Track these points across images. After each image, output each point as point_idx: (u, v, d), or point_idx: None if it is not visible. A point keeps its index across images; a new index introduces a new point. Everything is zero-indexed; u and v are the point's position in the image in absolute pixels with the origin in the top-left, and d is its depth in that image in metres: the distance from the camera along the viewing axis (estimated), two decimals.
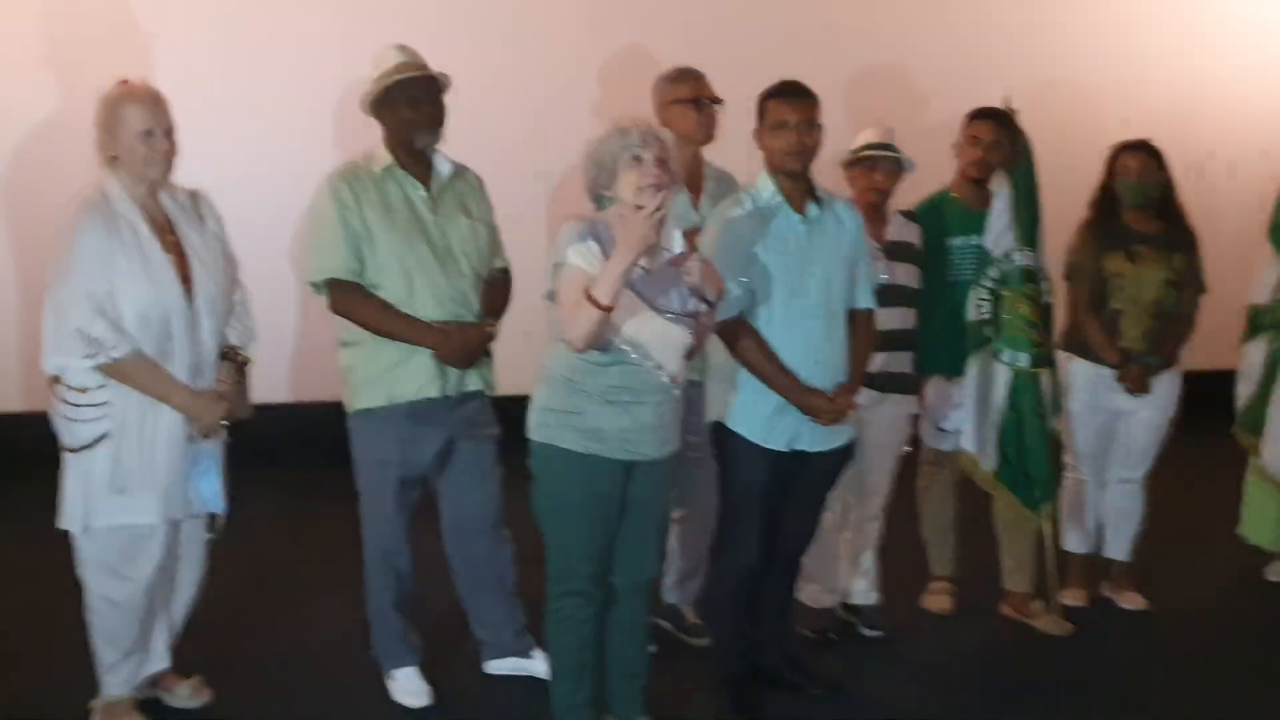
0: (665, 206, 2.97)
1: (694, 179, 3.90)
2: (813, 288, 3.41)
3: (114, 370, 3.12)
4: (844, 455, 3.58)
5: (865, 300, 3.56)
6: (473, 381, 3.56)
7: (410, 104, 3.43)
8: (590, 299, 2.90)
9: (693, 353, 3.18)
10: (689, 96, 3.86)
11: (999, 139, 4.08)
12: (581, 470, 3.10)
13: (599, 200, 3.10)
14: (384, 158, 3.48)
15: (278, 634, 4.13)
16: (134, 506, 3.23)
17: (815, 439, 3.46)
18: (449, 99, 3.55)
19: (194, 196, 3.36)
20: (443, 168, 3.56)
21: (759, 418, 3.42)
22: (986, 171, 4.13)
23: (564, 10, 5.94)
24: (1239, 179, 6.63)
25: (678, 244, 3.13)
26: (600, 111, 5.73)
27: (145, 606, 3.35)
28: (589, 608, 3.21)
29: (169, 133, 3.19)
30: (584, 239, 2.99)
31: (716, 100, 3.90)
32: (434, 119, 3.49)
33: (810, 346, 3.41)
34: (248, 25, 5.55)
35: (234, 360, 3.35)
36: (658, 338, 3.05)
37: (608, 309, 2.92)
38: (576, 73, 5.88)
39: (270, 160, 5.61)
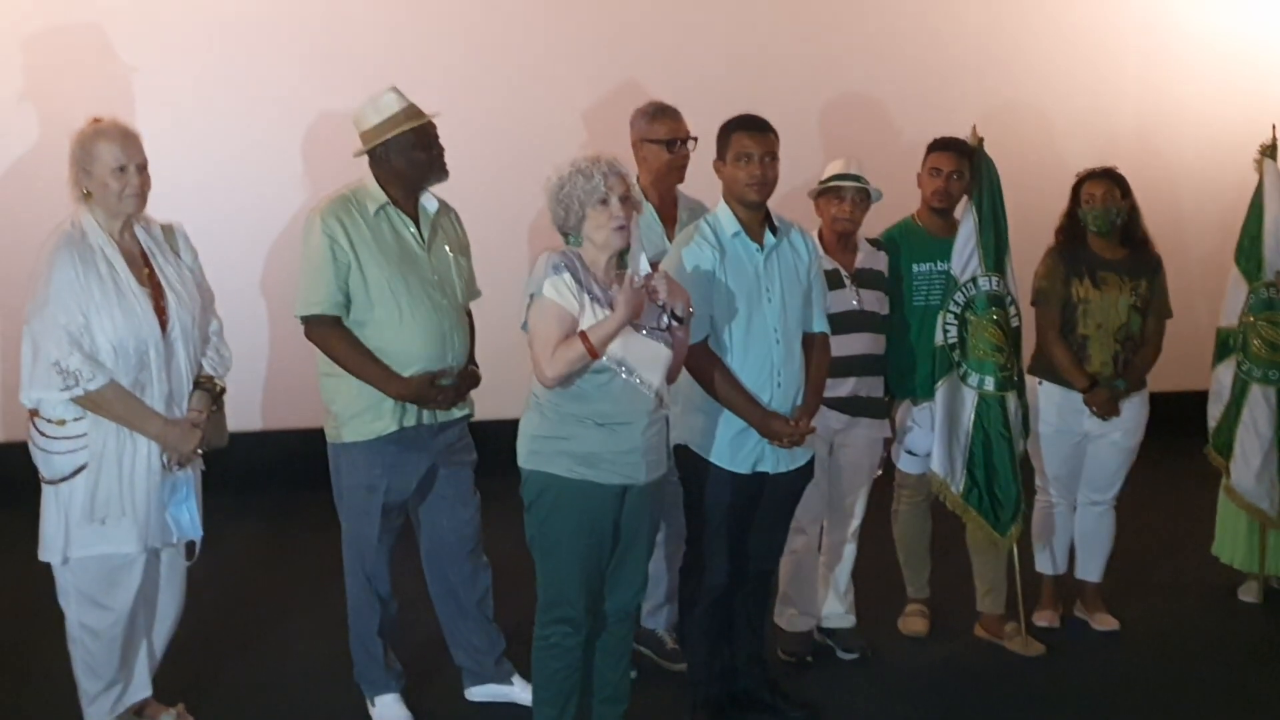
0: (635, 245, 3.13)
1: (668, 209, 3.98)
2: (770, 314, 3.49)
3: (90, 401, 3.15)
4: (805, 474, 3.65)
5: (820, 324, 3.64)
6: (456, 409, 3.60)
7: (424, 149, 3.53)
8: (586, 344, 3.01)
9: (674, 372, 3.25)
10: (665, 138, 3.94)
11: (959, 168, 4.17)
12: (576, 496, 3.14)
13: (566, 237, 3.18)
14: (378, 195, 3.53)
15: (259, 661, 4.14)
16: (113, 536, 3.25)
17: (777, 460, 3.54)
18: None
19: (169, 229, 3.40)
20: (429, 205, 3.62)
21: (723, 441, 3.49)
22: (949, 201, 4.22)
23: (548, 45, 5.98)
24: (1207, 203, 6.73)
25: (644, 266, 3.20)
26: (587, 143, 5.80)
27: (126, 635, 3.37)
28: (577, 635, 3.25)
29: (142, 168, 3.23)
30: (559, 271, 3.06)
31: (690, 139, 3.98)
32: (442, 160, 3.58)
33: (770, 370, 3.48)
34: (224, 59, 5.60)
35: (209, 390, 3.38)
36: (641, 354, 3.12)
37: (596, 356, 3.03)
38: (560, 104, 5.93)
39: (245, 192, 5.66)
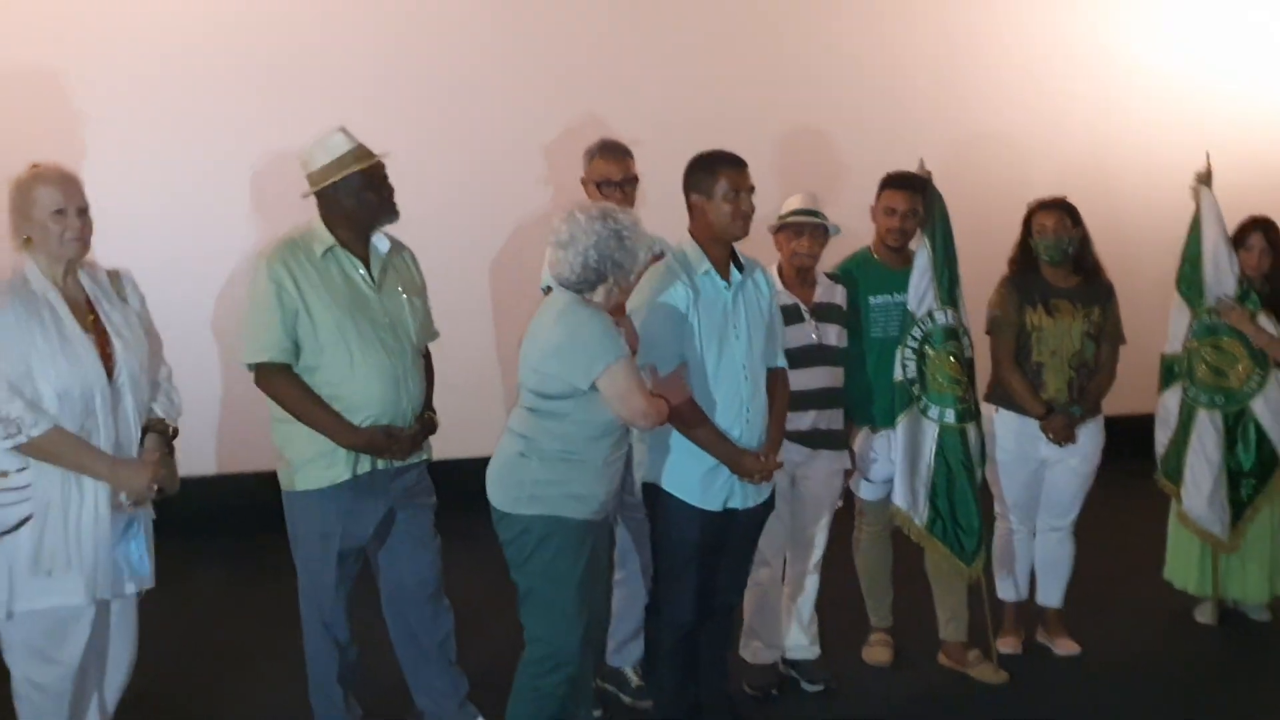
0: None
1: None
2: (738, 350, 3.48)
3: (34, 448, 3.07)
4: (768, 506, 3.65)
5: (780, 360, 3.65)
6: (413, 454, 3.57)
7: (374, 189, 3.49)
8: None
9: None
10: (616, 179, 3.94)
11: (913, 206, 4.19)
12: (586, 535, 3.21)
13: (585, 287, 3.17)
14: (325, 238, 3.49)
15: (216, 711, 4.06)
16: (60, 588, 3.16)
17: (746, 496, 3.53)
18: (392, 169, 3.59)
19: (115, 275, 3.33)
20: (381, 245, 3.57)
21: (694, 479, 3.47)
22: (904, 239, 4.25)
23: (506, 78, 5.97)
24: (1157, 231, 6.80)
25: None
26: (547, 179, 5.78)
27: (75, 690, 3.27)
28: (567, 678, 3.26)
29: (83, 211, 3.16)
30: (618, 328, 3.19)
31: (626, 181, 3.97)
32: (393, 200, 3.55)
33: (740, 406, 3.48)
34: (172, 106, 5.55)
35: (161, 432, 3.31)
36: None
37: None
38: (519, 138, 5.92)
39: (195, 233, 5.60)
